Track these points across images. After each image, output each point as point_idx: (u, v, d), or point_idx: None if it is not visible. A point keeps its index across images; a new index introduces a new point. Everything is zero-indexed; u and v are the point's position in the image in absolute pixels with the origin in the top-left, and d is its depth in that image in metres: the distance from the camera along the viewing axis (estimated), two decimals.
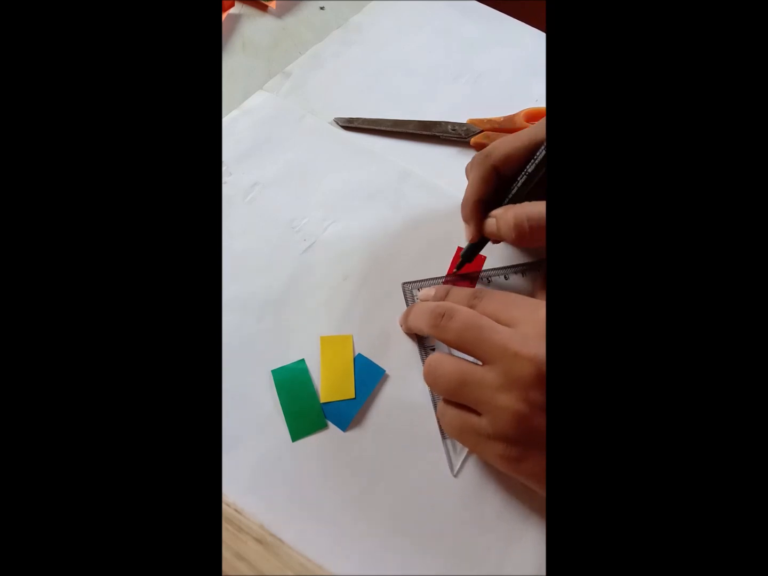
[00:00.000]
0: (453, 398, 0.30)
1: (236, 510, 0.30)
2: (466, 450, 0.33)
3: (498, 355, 0.28)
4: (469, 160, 0.37)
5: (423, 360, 0.35)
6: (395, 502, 0.32)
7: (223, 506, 0.30)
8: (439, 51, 0.51)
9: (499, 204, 0.36)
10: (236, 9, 0.53)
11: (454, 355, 0.31)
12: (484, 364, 0.29)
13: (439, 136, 0.45)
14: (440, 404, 0.31)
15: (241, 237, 0.40)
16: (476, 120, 0.46)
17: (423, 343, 0.36)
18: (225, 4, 0.52)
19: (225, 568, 0.28)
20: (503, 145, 0.35)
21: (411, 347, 0.36)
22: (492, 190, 0.36)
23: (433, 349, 0.35)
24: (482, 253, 0.38)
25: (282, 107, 0.47)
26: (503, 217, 0.34)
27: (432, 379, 0.31)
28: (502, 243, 0.39)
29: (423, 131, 0.45)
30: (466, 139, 0.45)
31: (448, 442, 0.33)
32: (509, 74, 0.50)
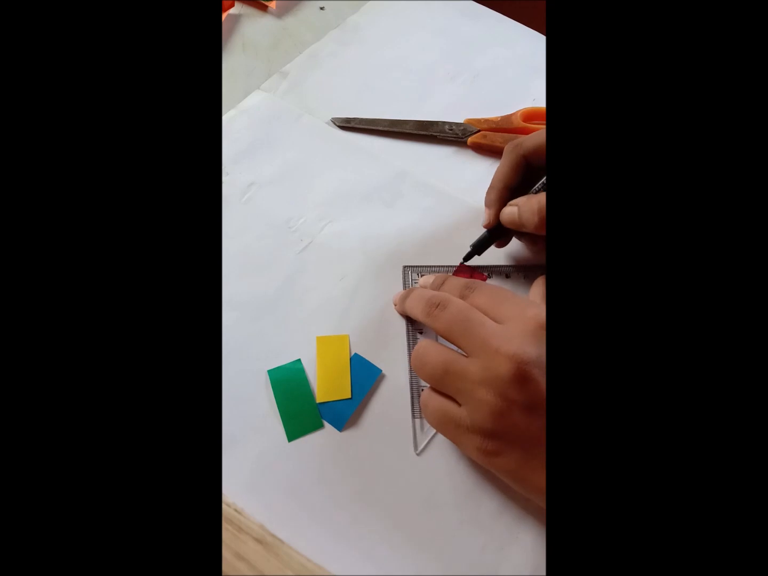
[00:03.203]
0: (437, 386, 0.30)
1: (236, 510, 0.30)
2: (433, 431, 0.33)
3: (480, 349, 0.28)
4: (466, 159, 0.37)
5: (409, 343, 0.36)
6: (392, 502, 0.32)
7: (223, 506, 0.30)
8: (436, 51, 0.51)
9: (523, 194, 0.36)
10: (236, 9, 0.53)
11: (441, 344, 0.31)
12: (468, 356, 0.29)
13: (436, 136, 0.45)
14: (425, 393, 0.31)
15: (238, 237, 0.40)
16: (473, 120, 0.46)
17: (412, 325, 0.36)
18: (225, 4, 0.52)
19: (225, 568, 0.28)
20: (536, 137, 0.36)
21: (407, 346, 0.36)
22: (520, 179, 0.36)
23: (421, 332, 0.36)
24: (482, 259, 0.38)
25: (279, 107, 0.47)
26: (527, 203, 0.34)
27: (419, 366, 0.31)
28: (510, 246, 0.39)
29: (420, 131, 0.45)
30: (464, 139, 0.45)
31: (417, 421, 0.33)
32: (507, 74, 0.50)
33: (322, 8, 0.53)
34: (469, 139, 0.45)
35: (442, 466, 0.33)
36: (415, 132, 0.45)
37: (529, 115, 0.46)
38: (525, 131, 0.45)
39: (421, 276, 0.38)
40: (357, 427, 0.33)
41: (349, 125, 0.46)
